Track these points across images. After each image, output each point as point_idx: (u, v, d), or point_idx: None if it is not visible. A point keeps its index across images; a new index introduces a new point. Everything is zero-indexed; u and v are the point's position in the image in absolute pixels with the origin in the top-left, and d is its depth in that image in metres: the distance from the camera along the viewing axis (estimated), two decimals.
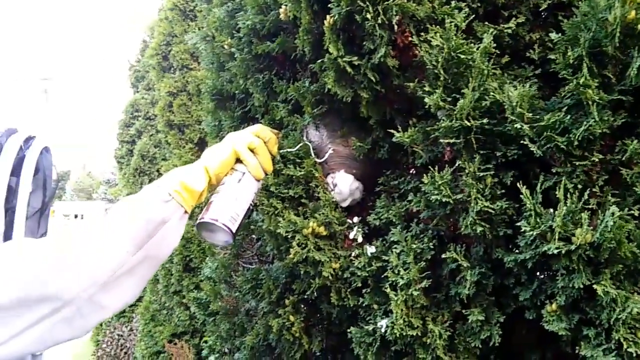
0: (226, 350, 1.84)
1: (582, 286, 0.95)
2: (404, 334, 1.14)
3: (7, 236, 1.04)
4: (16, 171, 1.08)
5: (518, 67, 1.22)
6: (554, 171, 1.02)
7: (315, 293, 1.34)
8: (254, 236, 1.77)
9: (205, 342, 3.38)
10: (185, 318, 5.14)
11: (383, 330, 1.19)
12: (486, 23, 1.20)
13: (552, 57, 1.14)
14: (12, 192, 1.06)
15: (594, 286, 0.93)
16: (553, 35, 1.08)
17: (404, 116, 1.26)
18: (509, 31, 1.19)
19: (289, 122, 1.43)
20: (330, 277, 1.29)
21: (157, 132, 10.65)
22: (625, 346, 0.90)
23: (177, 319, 5.33)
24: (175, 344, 5.22)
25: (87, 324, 0.92)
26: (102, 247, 0.94)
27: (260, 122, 1.50)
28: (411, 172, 1.28)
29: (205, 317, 2.16)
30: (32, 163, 1.11)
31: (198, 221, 1.13)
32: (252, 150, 1.20)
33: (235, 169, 1.18)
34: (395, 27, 1.11)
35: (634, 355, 0.90)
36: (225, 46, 1.52)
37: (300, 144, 1.37)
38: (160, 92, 5.62)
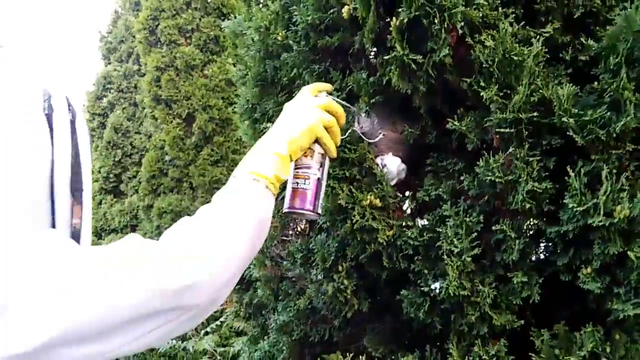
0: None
1: (616, 253, 1.16)
2: (457, 293, 1.34)
3: (75, 227, 0.87)
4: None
5: (552, 65, 1.41)
6: (592, 158, 1.23)
7: (366, 259, 1.53)
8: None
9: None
10: None
11: (437, 291, 1.39)
12: (527, 27, 1.39)
13: (582, 58, 1.35)
14: (77, 168, 0.88)
15: (628, 252, 1.14)
16: (589, 42, 1.28)
17: (451, 107, 1.45)
18: (547, 35, 1.38)
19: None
20: (384, 243, 1.48)
21: (131, 105, 10.61)
22: None
23: None
24: None
25: (203, 318, 0.88)
26: (233, 254, 0.88)
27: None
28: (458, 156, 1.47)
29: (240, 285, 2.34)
30: (85, 130, 0.96)
31: (298, 210, 1.19)
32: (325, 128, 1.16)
33: (314, 150, 1.19)
34: (459, 31, 1.29)
35: None
36: (280, 38, 1.67)
37: (349, 131, 1.53)
38: (147, 66, 5.66)
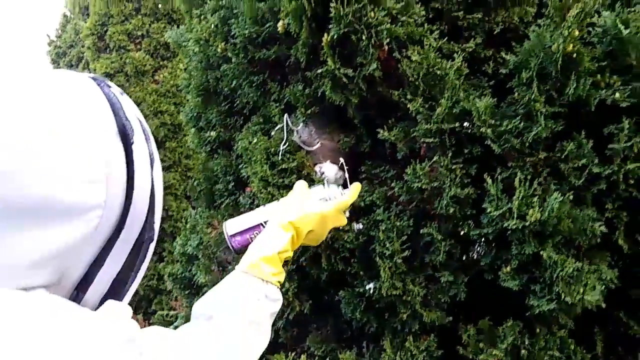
0: None
1: (531, 253, 1.26)
2: (389, 293, 1.42)
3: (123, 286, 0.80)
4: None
5: (474, 77, 1.51)
6: (509, 165, 1.32)
7: (306, 261, 1.60)
8: None
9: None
10: None
11: (371, 291, 1.47)
12: (451, 42, 1.48)
13: (503, 71, 1.45)
14: (152, 214, 0.79)
15: (541, 252, 1.24)
16: (507, 57, 1.38)
17: (383, 117, 1.53)
18: (470, 49, 1.48)
19: (280, 119, 1.66)
20: (322, 246, 1.54)
21: None
22: (562, 297, 1.22)
23: None
24: None
25: None
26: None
27: (252, 119, 1.73)
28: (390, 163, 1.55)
29: (181, 291, 2.37)
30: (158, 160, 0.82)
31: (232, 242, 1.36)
32: None
33: None
34: (386, 47, 1.37)
35: (569, 303, 1.22)
36: (219, 50, 1.72)
37: (285, 140, 1.59)
38: (96, 72, 5.60)
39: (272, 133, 1.66)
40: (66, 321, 0.64)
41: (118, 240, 0.74)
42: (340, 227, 1.43)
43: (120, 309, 0.72)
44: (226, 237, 1.35)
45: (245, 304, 1.07)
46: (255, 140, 1.64)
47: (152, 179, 0.77)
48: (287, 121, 1.57)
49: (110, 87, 0.77)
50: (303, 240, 1.25)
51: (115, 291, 0.77)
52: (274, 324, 1.16)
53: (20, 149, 0.62)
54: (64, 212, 0.65)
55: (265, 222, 1.30)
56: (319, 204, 1.29)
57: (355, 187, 1.37)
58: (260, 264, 1.13)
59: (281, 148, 1.58)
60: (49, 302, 0.65)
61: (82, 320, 0.66)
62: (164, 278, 5.57)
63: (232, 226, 1.35)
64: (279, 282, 1.15)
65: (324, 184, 1.44)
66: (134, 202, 0.73)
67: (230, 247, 1.35)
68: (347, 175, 1.51)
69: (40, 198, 0.63)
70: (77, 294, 0.74)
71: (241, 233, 1.33)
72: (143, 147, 0.75)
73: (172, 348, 0.84)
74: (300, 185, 1.35)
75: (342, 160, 1.52)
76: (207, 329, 1.00)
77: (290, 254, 1.21)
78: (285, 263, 1.20)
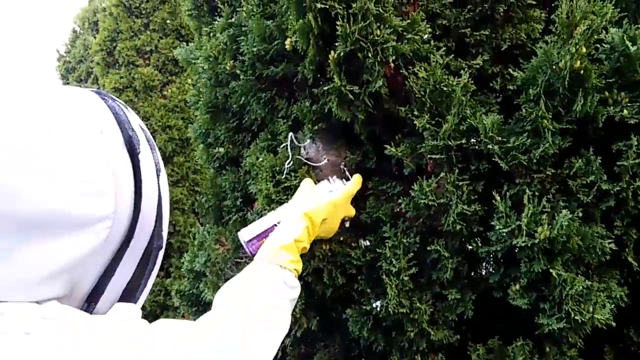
0: None
1: (540, 270, 1.25)
2: (396, 311, 1.41)
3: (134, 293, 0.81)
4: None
5: (481, 94, 1.51)
6: (517, 182, 1.32)
7: (310, 276, 1.59)
8: None
9: None
10: None
11: (378, 309, 1.46)
12: (459, 59, 1.48)
13: (510, 87, 1.44)
14: (160, 223, 0.81)
15: (550, 270, 1.23)
16: (515, 73, 1.38)
17: (390, 133, 1.53)
18: (477, 66, 1.48)
19: (287, 135, 1.67)
20: (321, 257, 1.54)
21: None
22: (572, 315, 1.21)
23: None
24: None
25: None
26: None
27: (260, 136, 1.74)
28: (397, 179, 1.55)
29: (189, 308, 2.36)
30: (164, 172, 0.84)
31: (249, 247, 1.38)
32: None
33: None
34: (392, 64, 1.37)
35: (579, 321, 1.21)
36: (228, 67, 1.73)
37: (290, 159, 1.60)
38: (105, 87, 5.65)
39: (279, 150, 1.67)
40: (80, 330, 0.65)
41: (127, 250, 0.76)
42: (348, 243, 1.44)
43: (130, 311, 0.74)
44: (243, 244, 1.38)
45: (264, 289, 1.10)
46: (261, 159, 1.64)
47: (158, 187, 0.78)
48: (291, 139, 1.58)
49: (114, 100, 0.79)
50: (318, 230, 1.32)
51: (125, 300, 0.78)
52: (281, 342, 1.16)
53: (28, 163, 0.63)
54: (74, 225, 0.67)
55: (278, 223, 1.35)
56: (328, 195, 1.40)
57: (357, 177, 1.48)
58: (278, 251, 1.19)
59: (286, 167, 1.58)
60: (62, 311, 0.67)
61: (93, 325, 0.68)
62: (171, 294, 5.56)
63: (247, 233, 1.38)
64: (296, 270, 1.19)
65: (329, 180, 1.50)
66: (142, 211, 0.75)
67: (249, 253, 1.36)
68: (348, 174, 1.55)
69: (50, 212, 0.64)
70: (89, 305, 0.76)
71: (257, 237, 1.37)
72: (149, 157, 0.77)
73: (185, 341, 0.82)
74: (308, 181, 1.45)
75: (343, 166, 1.57)
76: (223, 317, 1.00)
77: (307, 245, 1.28)
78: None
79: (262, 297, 1.07)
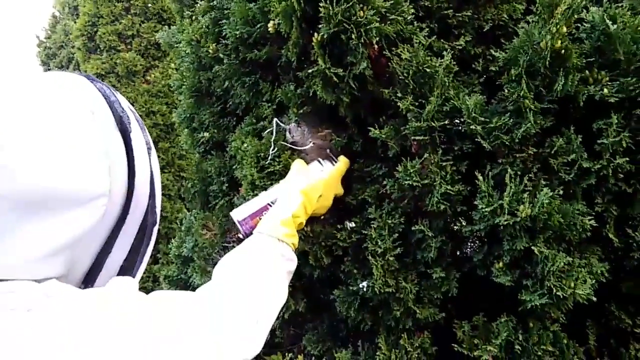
0: None
1: (522, 248, 1.27)
2: (382, 291, 1.43)
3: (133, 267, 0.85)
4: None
5: (464, 75, 1.52)
6: (499, 161, 1.33)
7: (300, 259, 1.60)
8: None
9: None
10: None
11: (365, 289, 1.48)
12: (441, 40, 1.49)
13: (493, 68, 1.46)
14: (153, 199, 0.84)
15: (532, 247, 1.25)
16: (497, 54, 1.38)
17: (375, 115, 1.53)
18: (459, 47, 1.49)
19: (272, 119, 1.67)
20: (306, 239, 1.55)
21: None
22: (554, 291, 1.23)
23: None
24: None
25: None
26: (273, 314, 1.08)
27: (244, 120, 1.73)
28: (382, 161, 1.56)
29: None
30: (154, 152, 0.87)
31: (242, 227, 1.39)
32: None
33: None
34: (375, 46, 1.37)
35: (561, 297, 1.24)
36: (210, 51, 1.73)
37: (275, 146, 1.60)
38: (87, 73, 5.59)
39: (263, 135, 1.67)
40: (78, 307, 0.67)
41: (123, 227, 0.79)
42: (334, 225, 1.45)
43: (127, 283, 0.78)
44: (237, 224, 1.39)
45: (263, 260, 1.14)
46: (246, 144, 1.64)
47: (150, 165, 0.82)
48: (276, 124, 1.59)
49: (102, 83, 0.82)
50: (315, 206, 1.38)
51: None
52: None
53: (24, 142, 0.65)
54: (72, 202, 0.69)
55: (272, 202, 1.38)
56: (320, 173, 1.46)
57: (343, 158, 1.53)
58: (276, 225, 1.24)
59: (270, 153, 1.58)
60: (61, 289, 0.69)
61: (89, 300, 0.69)
62: (159, 280, 5.57)
63: (240, 213, 1.40)
64: (293, 244, 1.24)
65: (319, 162, 1.53)
66: (136, 188, 0.79)
67: (242, 234, 1.38)
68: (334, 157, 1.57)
69: (47, 190, 0.66)
70: (86, 285, 0.79)
71: (251, 216, 1.38)
72: (140, 136, 0.80)
73: (182, 310, 0.85)
74: (300, 162, 1.51)
75: (328, 151, 1.59)
76: (223, 286, 1.03)
77: (304, 220, 1.33)
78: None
79: (260, 268, 1.11)
